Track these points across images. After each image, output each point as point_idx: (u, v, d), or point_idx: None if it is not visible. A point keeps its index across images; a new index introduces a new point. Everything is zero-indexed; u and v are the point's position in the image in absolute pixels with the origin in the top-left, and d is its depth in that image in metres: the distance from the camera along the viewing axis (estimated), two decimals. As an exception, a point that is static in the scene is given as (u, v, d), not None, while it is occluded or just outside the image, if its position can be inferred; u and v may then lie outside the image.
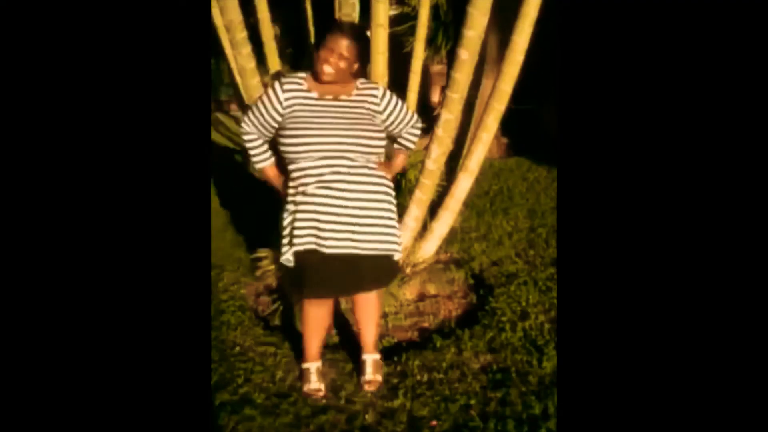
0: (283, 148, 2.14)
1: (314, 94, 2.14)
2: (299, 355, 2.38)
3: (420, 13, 3.91)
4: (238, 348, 2.58)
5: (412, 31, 4.60)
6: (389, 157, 2.51)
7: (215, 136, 8.35)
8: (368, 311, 2.32)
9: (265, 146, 2.27)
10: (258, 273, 3.25)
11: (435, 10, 6.68)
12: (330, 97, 2.15)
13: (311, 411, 2.13)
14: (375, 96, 2.21)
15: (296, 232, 2.09)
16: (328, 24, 2.17)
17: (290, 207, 2.13)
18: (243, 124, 2.25)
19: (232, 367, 2.41)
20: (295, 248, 2.09)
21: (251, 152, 2.28)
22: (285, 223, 2.15)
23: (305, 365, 2.29)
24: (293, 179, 2.13)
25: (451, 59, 3.17)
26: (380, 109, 2.21)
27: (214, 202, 4.71)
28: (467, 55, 2.58)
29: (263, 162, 2.29)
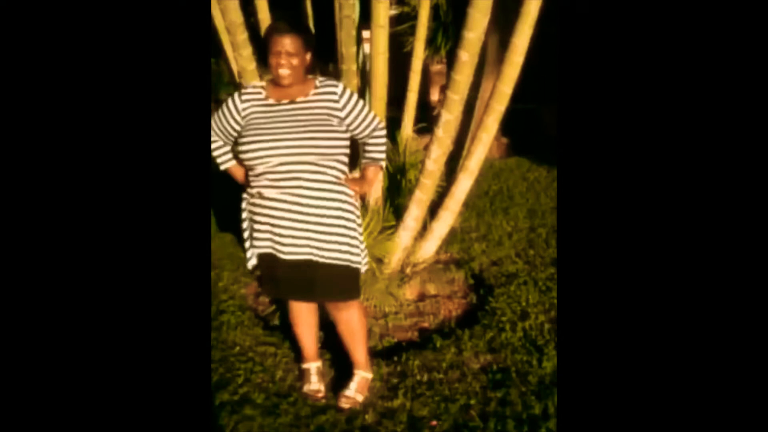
0: (240, 156, 2.10)
1: (271, 101, 2.08)
2: (299, 355, 2.38)
3: (420, 13, 3.91)
4: (238, 348, 2.58)
5: (412, 31, 4.61)
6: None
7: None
8: (350, 329, 2.25)
9: (228, 148, 2.23)
10: (258, 273, 3.25)
11: (435, 10, 6.69)
12: (286, 101, 2.08)
13: (311, 411, 2.13)
14: (334, 93, 2.09)
15: (255, 235, 2.10)
16: (265, 33, 2.09)
17: (249, 209, 2.12)
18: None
19: (232, 367, 2.41)
20: (252, 251, 2.14)
21: (214, 154, 2.23)
22: (244, 225, 2.17)
23: (305, 365, 2.29)
24: (252, 186, 2.09)
25: (451, 59, 3.17)
26: (339, 106, 2.08)
27: (214, 202, 4.71)
28: (467, 56, 2.58)
29: (227, 163, 2.26)
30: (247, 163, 2.07)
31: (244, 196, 2.15)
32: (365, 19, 3.11)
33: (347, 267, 2.09)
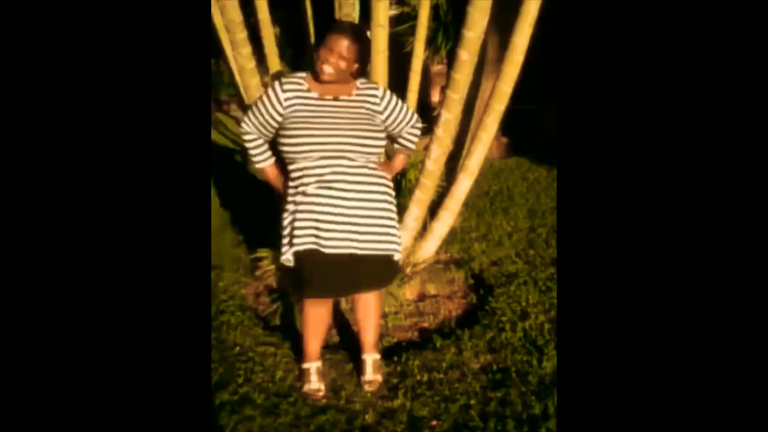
0: (283, 148, 2.14)
1: (314, 94, 2.14)
2: (299, 355, 2.38)
3: (420, 13, 3.91)
4: (238, 348, 2.57)
5: (412, 31, 4.61)
6: (389, 156, 2.51)
7: (215, 136, 8.34)
8: (368, 312, 2.33)
9: (266, 146, 2.27)
10: (258, 273, 3.25)
11: (435, 10, 6.69)
12: (330, 97, 2.15)
13: (311, 411, 2.13)
14: (375, 96, 2.22)
15: (296, 232, 2.09)
16: (329, 23, 2.17)
17: (290, 207, 2.13)
18: (243, 124, 2.26)
19: (232, 367, 2.41)
20: (295, 248, 2.09)
21: (251, 152, 2.28)
22: (285, 223, 2.15)
23: (305, 365, 2.29)
24: (293, 179, 2.13)
25: (451, 59, 3.17)
26: (380, 109, 2.21)
27: (214, 202, 4.70)
28: (467, 55, 2.58)
29: (263, 162, 2.29)
30: (289, 156, 2.10)
31: (289, 191, 2.16)
32: (365, 18, 3.11)
33: (388, 256, 2.18)
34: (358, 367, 2.36)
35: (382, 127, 2.21)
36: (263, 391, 2.25)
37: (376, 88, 2.25)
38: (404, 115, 2.28)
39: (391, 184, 2.23)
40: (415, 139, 2.37)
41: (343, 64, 2.09)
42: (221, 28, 2.98)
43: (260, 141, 2.24)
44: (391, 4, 4.45)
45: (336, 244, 2.08)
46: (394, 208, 2.22)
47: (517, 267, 3.50)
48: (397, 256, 2.22)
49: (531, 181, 5.76)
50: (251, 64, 2.76)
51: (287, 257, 2.14)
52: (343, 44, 2.07)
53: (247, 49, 2.72)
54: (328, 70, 2.09)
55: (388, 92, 2.27)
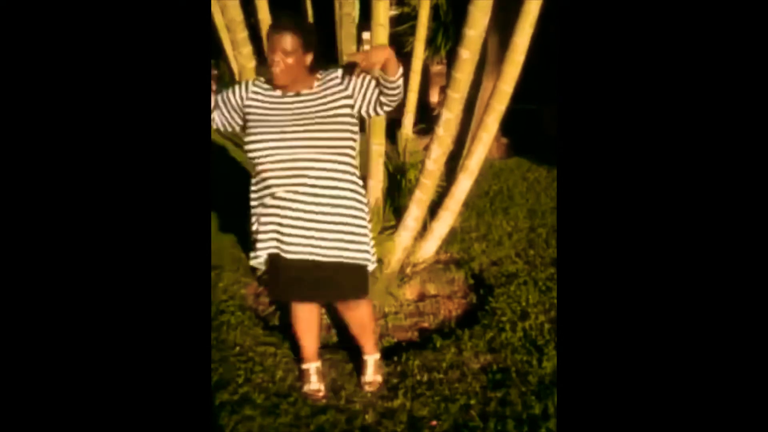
0: (246, 148, 2.03)
1: (277, 93, 2.03)
2: (299, 355, 2.38)
3: (420, 13, 3.92)
4: (238, 348, 2.58)
5: (412, 31, 4.62)
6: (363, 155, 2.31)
7: (215, 136, 8.34)
8: (361, 324, 2.28)
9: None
10: (258, 273, 3.25)
11: (435, 10, 6.69)
12: (292, 93, 2.03)
13: (311, 411, 2.13)
14: (337, 79, 2.04)
15: (260, 236, 2.05)
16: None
17: (258, 210, 2.07)
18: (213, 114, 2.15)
19: (232, 367, 2.41)
20: (258, 252, 2.07)
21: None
22: (253, 227, 2.11)
23: (304, 365, 2.29)
24: (259, 181, 2.05)
25: (451, 59, 3.17)
26: (349, 92, 2.02)
27: (214, 202, 4.70)
28: (468, 54, 2.58)
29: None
30: (253, 156, 2.00)
31: (252, 194, 2.10)
32: (365, 18, 3.11)
33: (354, 265, 2.05)
34: (358, 367, 2.36)
35: (355, 117, 2.03)
36: (263, 391, 2.25)
37: (335, 71, 2.06)
38: (374, 86, 2.03)
39: (362, 190, 2.08)
40: (398, 91, 2.05)
41: (290, 60, 1.94)
42: (222, 28, 2.99)
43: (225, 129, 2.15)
44: (391, 4, 4.45)
45: (296, 250, 1.98)
46: (364, 215, 2.06)
47: (517, 267, 3.50)
48: (364, 263, 2.07)
49: (531, 181, 5.75)
50: (252, 63, 2.77)
51: (256, 260, 2.11)
52: (283, 40, 1.92)
53: (247, 49, 2.73)
54: (276, 71, 1.96)
55: (347, 74, 2.04)
